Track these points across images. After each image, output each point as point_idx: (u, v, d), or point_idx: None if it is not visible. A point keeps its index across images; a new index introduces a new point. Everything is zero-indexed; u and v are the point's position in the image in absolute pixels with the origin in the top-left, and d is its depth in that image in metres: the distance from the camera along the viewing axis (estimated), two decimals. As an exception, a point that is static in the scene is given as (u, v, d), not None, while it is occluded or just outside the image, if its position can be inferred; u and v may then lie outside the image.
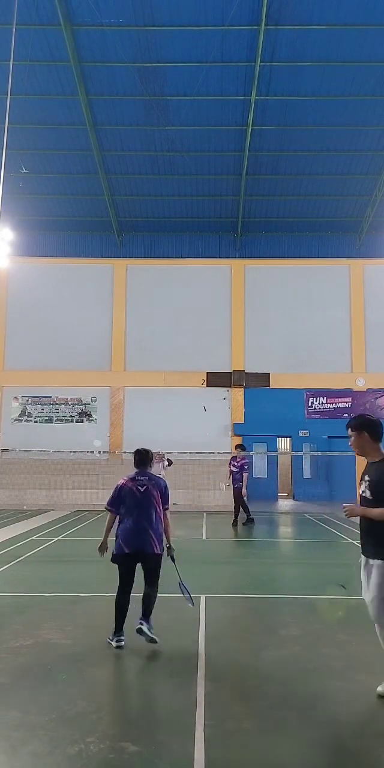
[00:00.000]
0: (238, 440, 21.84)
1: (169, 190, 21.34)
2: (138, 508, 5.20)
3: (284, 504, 20.98)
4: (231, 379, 22.52)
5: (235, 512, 14.60)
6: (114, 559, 5.20)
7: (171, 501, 5.54)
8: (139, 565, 5.21)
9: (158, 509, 5.27)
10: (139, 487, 5.27)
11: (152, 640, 4.95)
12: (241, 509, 14.50)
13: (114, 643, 4.98)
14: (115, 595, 5.13)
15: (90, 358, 22.68)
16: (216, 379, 22.55)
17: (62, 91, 16.97)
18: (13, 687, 4.07)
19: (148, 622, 5.03)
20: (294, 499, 21.94)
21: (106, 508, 5.35)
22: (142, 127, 18.46)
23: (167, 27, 15.10)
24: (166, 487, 5.47)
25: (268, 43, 15.32)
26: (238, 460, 14.67)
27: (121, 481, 5.39)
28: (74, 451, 21.29)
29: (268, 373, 22.52)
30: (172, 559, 5.38)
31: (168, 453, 15.62)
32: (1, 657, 4.67)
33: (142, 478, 5.35)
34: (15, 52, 13.27)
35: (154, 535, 5.15)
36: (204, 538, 12.69)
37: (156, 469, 14.19)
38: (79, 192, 21.47)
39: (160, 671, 4.47)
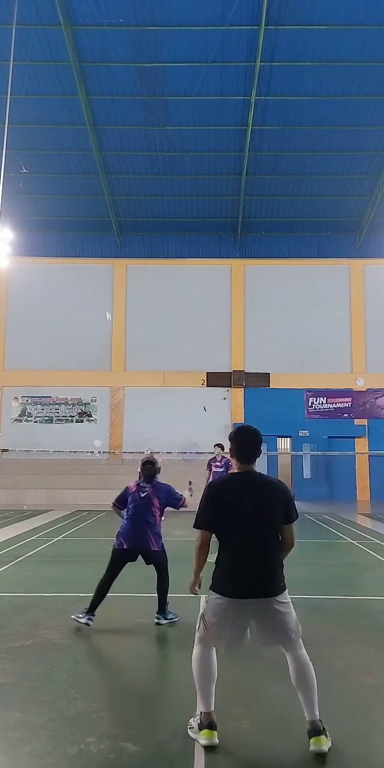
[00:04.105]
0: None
1: (169, 190, 21.34)
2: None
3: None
4: (231, 379, 22.52)
5: None
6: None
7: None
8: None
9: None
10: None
11: (171, 622, 5.37)
12: None
13: (83, 621, 5.27)
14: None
15: (90, 358, 22.68)
16: (216, 379, 22.55)
17: (62, 91, 16.97)
18: (13, 687, 4.06)
19: (163, 614, 5.43)
20: (294, 499, 21.90)
21: None
22: (142, 127, 18.46)
23: (167, 27, 15.11)
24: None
25: (268, 43, 15.33)
26: (219, 458, 14.41)
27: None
28: (74, 451, 21.29)
29: (268, 373, 22.53)
30: None
31: (167, 453, 15.56)
32: (1, 657, 4.66)
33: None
34: (15, 52, 13.30)
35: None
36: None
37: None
38: (79, 192, 21.47)
39: (159, 671, 4.47)
